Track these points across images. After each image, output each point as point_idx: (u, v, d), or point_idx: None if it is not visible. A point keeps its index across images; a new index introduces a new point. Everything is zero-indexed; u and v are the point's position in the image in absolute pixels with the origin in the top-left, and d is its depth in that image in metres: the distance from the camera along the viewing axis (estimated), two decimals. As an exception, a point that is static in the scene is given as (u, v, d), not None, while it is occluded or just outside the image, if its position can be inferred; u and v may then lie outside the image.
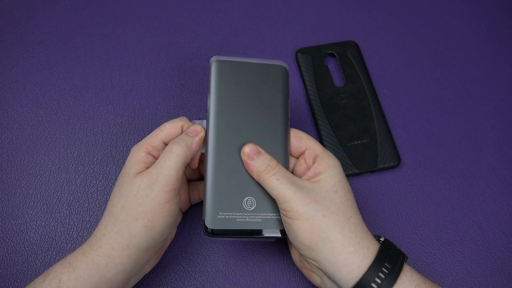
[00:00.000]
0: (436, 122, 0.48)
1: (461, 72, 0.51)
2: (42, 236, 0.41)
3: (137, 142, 0.44)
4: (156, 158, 0.35)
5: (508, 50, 0.53)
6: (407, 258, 0.33)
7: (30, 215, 0.42)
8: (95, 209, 0.42)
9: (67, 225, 0.42)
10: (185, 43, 0.51)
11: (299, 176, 0.36)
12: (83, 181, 0.44)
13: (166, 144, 0.36)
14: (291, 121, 0.47)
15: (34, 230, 0.41)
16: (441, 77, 0.51)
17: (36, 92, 0.47)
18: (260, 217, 0.35)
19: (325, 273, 0.33)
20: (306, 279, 0.40)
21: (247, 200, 0.35)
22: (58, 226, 0.42)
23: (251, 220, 0.34)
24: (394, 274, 0.31)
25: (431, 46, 0.53)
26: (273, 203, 0.35)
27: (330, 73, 0.49)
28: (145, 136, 0.37)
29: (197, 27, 0.52)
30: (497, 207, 0.44)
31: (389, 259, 0.32)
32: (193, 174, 0.40)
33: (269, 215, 0.35)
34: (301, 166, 0.37)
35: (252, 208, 0.35)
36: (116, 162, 0.44)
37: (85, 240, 0.41)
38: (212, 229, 0.34)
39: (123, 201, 0.33)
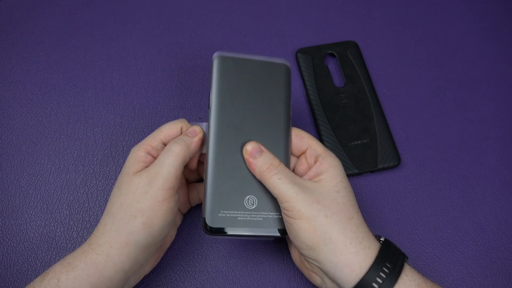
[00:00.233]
0: (436, 122, 0.48)
1: (461, 72, 0.51)
2: (42, 236, 0.41)
3: (137, 142, 0.45)
4: (155, 158, 0.35)
5: (508, 50, 0.53)
6: (407, 258, 0.33)
7: (30, 215, 0.42)
8: (95, 209, 0.42)
9: (67, 225, 0.42)
10: (185, 43, 0.51)
11: (300, 175, 0.36)
12: (83, 181, 0.44)
13: (165, 145, 0.36)
14: (292, 121, 0.47)
15: (34, 230, 0.41)
16: (441, 77, 0.51)
17: (36, 92, 0.47)
18: (261, 216, 0.35)
19: (326, 273, 0.33)
20: (306, 279, 0.40)
21: (248, 199, 0.35)
22: (58, 226, 0.42)
23: (252, 219, 0.34)
24: (395, 274, 0.31)
25: (431, 46, 0.53)
26: (275, 202, 0.35)
27: (330, 73, 0.49)
28: (145, 136, 0.37)
29: (197, 27, 0.52)
30: (497, 207, 0.44)
31: (390, 259, 0.32)
32: (192, 176, 0.40)
33: (270, 214, 0.35)
34: (302, 166, 0.36)
35: (254, 207, 0.34)
36: (116, 162, 0.44)
37: (85, 240, 0.41)
38: (213, 228, 0.34)
39: (122, 199, 0.33)
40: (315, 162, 0.35)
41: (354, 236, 0.32)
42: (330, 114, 0.47)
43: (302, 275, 0.40)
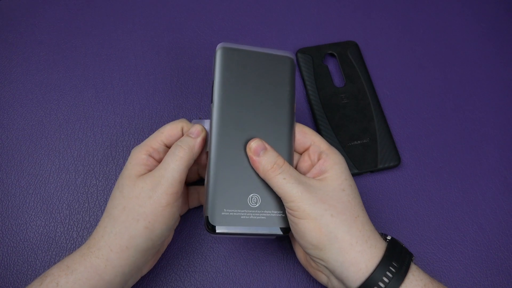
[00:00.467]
0: (436, 122, 0.48)
1: (461, 72, 0.51)
2: (42, 236, 0.41)
3: (137, 142, 0.45)
4: (157, 160, 0.35)
5: (508, 50, 0.53)
6: (413, 257, 0.33)
7: (30, 215, 0.42)
8: (95, 209, 0.42)
9: (67, 225, 0.42)
10: (185, 43, 0.51)
11: (304, 173, 0.36)
12: (83, 181, 0.44)
13: (166, 146, 0.36)
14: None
15: (34, 230, 0.41)
16: (441, 77, 0.51)
17: (36, 92, 0.47)
18: (265, 214, 0.34)
19: (332, 272, 0.33)
20: (306, 279, 0.40)
21: (252, 197, 0.34)
22: (58, 226, 0.42)
23: (255, 217, 0.34)
24: (402, 273, 0.31)
25: (431, 46, 0.53)
26: (278, 201, 0.34)
27: (330, 73, 0.49)
28: (145, 136, 0.37)
29: (197, 27, 0.52)
30: (497, 207, 0.44)
31: (397, 258, 0.32)
32: (192, 176, 0.40)
33: (273, 213, 0.34)
34: (305, 163, 0.36)
35: (257, 205, 0.34)
36: (116, 162, 0.44)
37: (85, 241, 0.41)
38: (216, 226, 0.33)
39: (125, 203, 0.32)
40: (319, 159, 0.35)
41: (360, 234, 0.32)
42: (330, 114, 0.47)
43: (302, 275, 0.40)
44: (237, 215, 0.33)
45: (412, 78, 0.51)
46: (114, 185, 0.35)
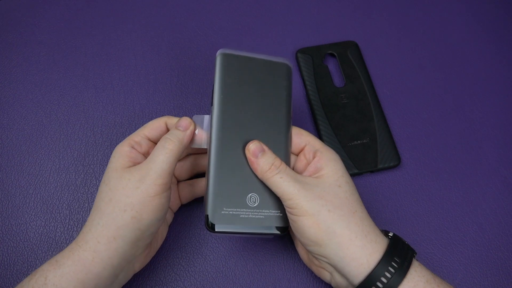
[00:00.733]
0: (436, 122, 0.48)
1: (461, 72, 0.51)
2: (42, 236, 0.41)
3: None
4: (140, 153, 0.35)
5: (508, 50, 0.53)
6: (415, 254, 0.33)
7: (30, 215, 0.42)
8: (95, 209, 0.42)
9: (67, 225, 0.42)
10: (185, 43, 0.51)
11: (300, 172, 0.36)
12: (83, 181, 0.44)
13: (149, 139, 0.36)
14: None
15: (34, 230, 0.41)
16: (441, 77, 0.51)
17: (36, 92, 0.47)
18: (263, 213, 0.35)
19: (334, 267, 0.33)
20: (306, 279, 0.40)
21: (250, 197, 0.35)
22: (58, 226, 0.42)
23: (254, 216, 0.34)
24: (404, 269, 0.31)
25: (431, 46, 0.53)
26: (276, 200, 0.35)
27: (330, 73, 0.49)
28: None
29: (197, 27, 0.52)
30: (497, 207, 0.44)
31: (399, 254, 0.32)
32: (183, 174, 0.40)
33: (272, 212, 0.35)
34: (301, 162, 0.37)
35: (256, 205, 0.35)
36: (116, 162, 0.44)
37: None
38: (215, 225, 0.34)
39: (111, 194, 0.33)
40: (314, 157, 0.35)
41: (359, 229, 0.32)
42: (330, 114, 0.47)
43: (302, 275, 0.40)
44: (236, 214, 0.34)
45: (412, 78, 0.51)
46: (100, 181, 0.35)
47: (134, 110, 0.47)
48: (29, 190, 0.43)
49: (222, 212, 0.34)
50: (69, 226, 0.42)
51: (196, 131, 0.36)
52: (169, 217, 0.39)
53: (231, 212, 0.34)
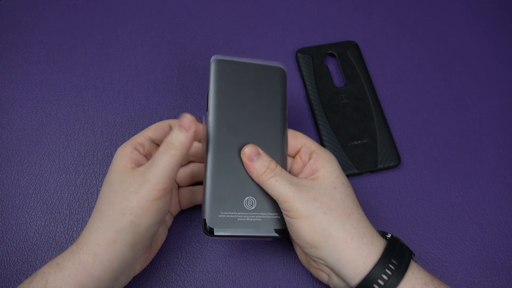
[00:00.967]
0: (436, 122, 0.48)
1: (461, 72, 0.51)
2: (42, 236, 0.41)
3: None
4: (142, 154, 0.35)
5: (508, 50, 0.53)
6: (413, 255, 0.33)
7: (30, 215, 0.42)
8: (95, 209, 0.42)
9: (67, 225, 0.42)
10: (185, 43, 0.51)
11: (296, 174, 0.36)
12: (83, 181, 0.44)
13: (153, 141, 0.36)
14: (290, 121, 0.47)
15: (34, 230, 0.41)
16: (441, 77, 0.51)
17: (36, 92, 0.47)
18: (261, 216, 0.35)
19: (331, 269, 0.33)
20: (306, 279, 0.40)
21: (247, 200, 0.35)
22: (58, 226, 0.42)
23: (251, 219, 0.35)
24: (401, 271, 0.31)
25: (431, 46, 0.53)
26: (273, 203, 0.35)
27: (330, 73, 0.49)
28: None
29: (197, 27, 0.52)
30: (497, 207, 0.44)
31: (396, 255, 0.32)
32: (183, 181, 0.40)
33: (269, 215, 0.35)
34: (297, 165, 0.37)
35: (253, 208, 0.35)
36: (116, 162, 0.44)
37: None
38: (213, 228, 0.34)
39: (113, 197, 0.32)
40: (309, 159, 0.35)
41: (355, 231, 0.32)
42: (330, 114, 0.47)
43: (302, 275, 0.40)
44: (234, 217, 0.34)
45: (412, 78, 0.51)
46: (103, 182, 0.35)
47: (134, 110, 0.47)
48: (29, 190, 0.43)
49: (220, 216, 0.34)
50: (69, 226, 0.42)
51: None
52: (169, 220, 0.39)
53: (229, 216, 0.34)
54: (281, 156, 0.36)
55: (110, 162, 0.44)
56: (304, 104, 0.49)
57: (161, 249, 0.40)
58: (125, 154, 0.34)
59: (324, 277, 0.35)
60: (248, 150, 0.35)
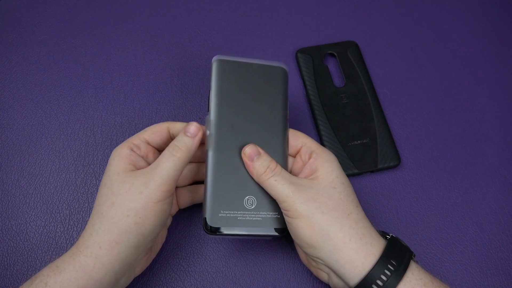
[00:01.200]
0: (436, 122, 0.48)
1: (461, 72, 0.51)
2: (42, 236, 0.41)
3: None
4: (140, 156, 0.35)
5: (508, 50, 0.53)
6: (414, 256, 0.33)
7: (30, 215, 0.42)
8: (95, 209, 0.42)
9: (67, 225, 0.42)
10: (185, 43, 0.51)
11: (297, 174, 0.37)
12: (83, 181, 0.44)
13: (149, 143, 0.36)
14: (291, 121, 0.47)
15: (34, 230, 0.41)
16: (441, 77, 0.51)
17: (36, 92, 0.47)
18: (261, 215, 0.35)
19: (330, 269, 0.33)
20: (306, 279, 0.40)
21: (248, 199, 0.35)
22: (58, 226, 0.42)
23: (251, 218, 0.35)
24: (400, 272, 0.31)
25: (431, 46, 0.53)
26: (273, 202, 0.35)
27: (330, 73, 0.49)
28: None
29: (197, 27, 0.52)
30: (497, 207, 0.44)
31: (396, 256, 0.32)
32: (182, 181, 0.40)
33: (269, 214, 0.35)
34: (298, 164, 0.37)
35: (253, 207, 0.35)
36: (116, 162, 0.44)
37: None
38: (213, 227, 0.34)
39: (113, 198, 0.32)
40: (309, 158, 0.35)
41: (354, 232, 0.32)
42: (330, 114, 0.47)
43: (302, 275, 0.40)
44: (234, 216, 0.34)
45: (412, 78, 0.51)
46: (100, 183, 0.34)
47: (134, 110, 0.47)
48: (29, 190, 0.43)
49: (220, 214, 0.34)
50: (69, 226, 0.42)
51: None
52: (168, 221, 0.39)
53: (229, 215, 0.34)
54: (281, 155, 0.36)
55: (110, 162, 0.44)
56: (304, 104, 0.49)
57: (161, 249, 0.40)
58: (122, 155, 0.34)
59: (324, 276, 0.35)
60: (249, 150, 0.35)
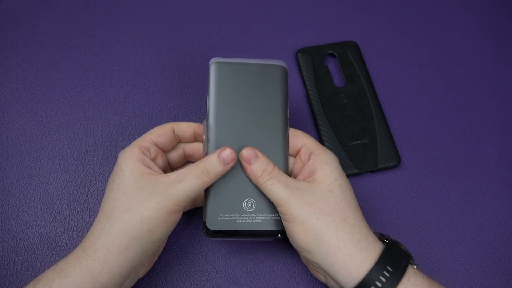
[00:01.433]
0: (436, 122, 0.48)
1: (461, 72, 0.51)
2: (42, 236, 0.41)
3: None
4: (150, 159, 0.35)
5: (508, 50, 0.53)
6: (412, 261, 0.33)
7: (30, 215, 0.42)
8: (95, 209, 0.42)
9: (67, 225, 0.42)
10: (185, 43, 0.51)
11: (296, 174, 0.36)
12: (83, 181, 0.44)
13: (157, 145, 0.35)
14: (291, 121, 0.47)
15: (34, 230, 0.41)
16: (441, 77, 0.51)
17: (36, 92, 0.47)
18: (260, 218, 0.35)
19: (326, 273, 0.33)
20: (306, 279, 0.40)
21: (247, 202, 0.35)
22: (58, 226, 0.42)
23: (251, 221, 0.35)
24: (397, 278, 0.30)
25: (431, 46, 0.53)
26: (272, 204, 0.35)
27: (330, 73, 0.49)
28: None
29: (197, 27, 0.52)
30: (497, 207, 0.44)
31: (392, 262, 0.31)
32: None
33: (268, 216, 0.35)
34: (297, 165, 0.37)
35: (252, 209, 0.35)
36: (116, 162, 0.44)
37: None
38: (213, 231, 0.34)
39: (128, 204, 0.32)
40: (309, 159, 0.35)
41: (349, 237, 0.31)
42: (330, 114, 0.47)
43: (302, 275, 0.40)
44: (233, 219, 0.34)
45: (412, 78, 0.51)
46: (111, 184, 0.34)
47: (134, 110, 0.47)
48: (29, 190, 0.43)
49: (219, 218, 0.34)
50: (69, 226, 0.42)
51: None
52: None
53: (228, 218, 0.34)
54: (281, 157, 0.36)
55: (110, 162, 0.44)
56: (304, 104, 0.49)
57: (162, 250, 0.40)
58: (136, 159, 0.33)
59: (321, 278, 0.35)
60: (246, 153, 0.34)
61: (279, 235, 0.35)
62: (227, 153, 0.34)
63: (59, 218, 0.42)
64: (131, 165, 0.33)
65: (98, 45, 0.50)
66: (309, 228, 0.32)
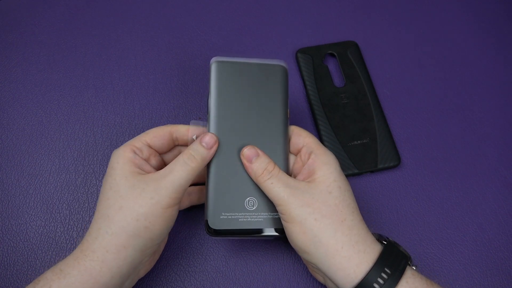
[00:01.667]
0: (436, 122, 0.48)
1: (461, 72, 0.51)
2: (42, 236, 0.41)
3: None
4: (143, 159, 0.35)
5: (508, 50, 0.53)
6: (410, 262, 0.33)
7: (30, 215, 0.42)
8: (95, 209, 0.42)
9: (67, 225, 0.42)
10: (185, 43, 0.51)
11: (297, 173, 0.36)
12: (83, 181, 0.44)
13: (150, 147, 0.35)
14: (291, 121, 0.47)
15: (34, 230, 0.41)
16: (441, 77, 0.51)
17: (36, 92, 0.47)
18: (262, 216, 0.35)
19: (324, 274, 0.33)
20: (306, 279, 0.40)
21: (249, 200, 0.35)
22: (58, 226, 0.42)
23: (253, 219, 0.35)
24: (394, 280, 0.30)
25: (431, 46, 0.53)
26: None
27: (330, 73, 0.49)
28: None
29: (197, 27, 0.52)
30: (497, 207, 0.44)
31: (390, 263, 0.31)
32: None
33: (270, 215, 0.35)
34: (298, 164, 0.37)
35: (254, 208, 0.35)
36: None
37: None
38: (215, 229, 0.34)
39: (122, 202, 0.32)
40: (309, 159, 0.35)
41: (347, 239, 0.31)
42: (330, 114, 0.47)
43: (302, 275, 0.40)
44: (235, 218, 0.35)
45: (412, 78, 0.51)
46: (104, 186, 0.34)
47: (134, 110, 0.47)
48: (29, 190, 0.43)
49: (221, 217, 0.34)
50: (69, 226, 0.42)
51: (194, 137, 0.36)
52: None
53: (230, 217, 0.34)
54: (281, 156, 0.36)
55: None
56: (304, 104, 0.49)
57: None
58: (127, 158, 0.34)
59: (320, 278, 0.36)
60: (247, 151, 0.35)
61: (281, 234, 0.35)
62: (208, 137, 0.34)
63: (59, 218, 0.42)
64: (122, 164, 0.33)
65: (98, 45, 0.50)
66: (307, 229, 0.32)
